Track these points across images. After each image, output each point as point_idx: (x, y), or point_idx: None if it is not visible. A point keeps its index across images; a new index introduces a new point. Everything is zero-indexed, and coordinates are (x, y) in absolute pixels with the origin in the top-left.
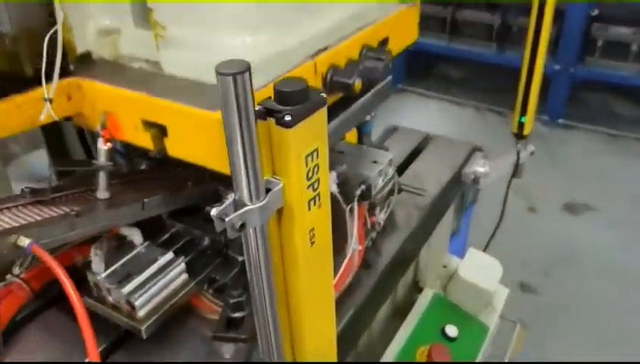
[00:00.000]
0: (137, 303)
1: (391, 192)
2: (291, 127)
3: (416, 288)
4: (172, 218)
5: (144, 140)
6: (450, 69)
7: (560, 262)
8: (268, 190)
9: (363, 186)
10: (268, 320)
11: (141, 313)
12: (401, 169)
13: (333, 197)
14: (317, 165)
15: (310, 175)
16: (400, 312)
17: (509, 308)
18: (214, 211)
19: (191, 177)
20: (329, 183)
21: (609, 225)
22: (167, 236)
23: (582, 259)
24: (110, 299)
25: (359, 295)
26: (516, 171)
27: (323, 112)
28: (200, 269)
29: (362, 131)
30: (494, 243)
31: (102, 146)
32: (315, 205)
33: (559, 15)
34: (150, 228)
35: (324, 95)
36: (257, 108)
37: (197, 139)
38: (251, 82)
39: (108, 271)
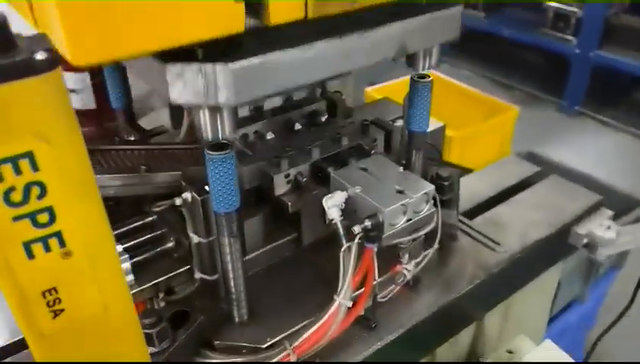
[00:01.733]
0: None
1: (432, 237)
2: None
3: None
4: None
5: None
6: None
7: None
8: None
9: (368, 222)
10: None
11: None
12: (482, 208)
13: (335, 229)
14: (40, 183)
15: (21, 198)
16: None
17: None
18: None
19: (150, 158)
20: (328, 207)
21: None
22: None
23: None
24: None
25: None
26: None
27: (45, 82)
28: (156, 274)
29: (412, 128)
30: None
31: None
32: (48, 250)
33: None
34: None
35: (47, 54)
36: None
37: None
38: None
39: None
